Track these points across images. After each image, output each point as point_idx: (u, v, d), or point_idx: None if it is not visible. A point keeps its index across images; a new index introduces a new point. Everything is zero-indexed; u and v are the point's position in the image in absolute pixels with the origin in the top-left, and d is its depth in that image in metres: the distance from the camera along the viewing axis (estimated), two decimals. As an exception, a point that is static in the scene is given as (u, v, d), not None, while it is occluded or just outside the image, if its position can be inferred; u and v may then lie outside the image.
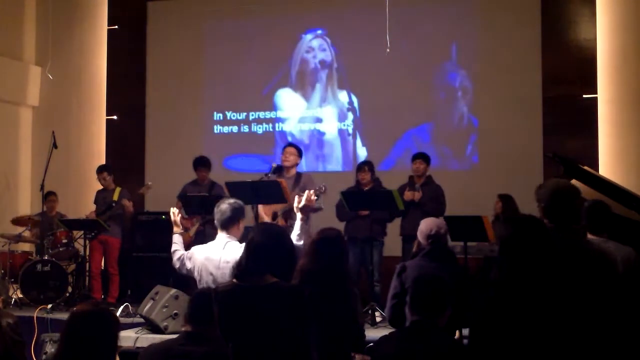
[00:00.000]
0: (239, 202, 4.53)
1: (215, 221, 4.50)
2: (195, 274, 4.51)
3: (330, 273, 3.86)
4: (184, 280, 6.21)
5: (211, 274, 4.40)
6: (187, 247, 4.73)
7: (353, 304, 3.92)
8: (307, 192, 4.51)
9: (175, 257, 4.63)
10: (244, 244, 4.34)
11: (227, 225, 4.44)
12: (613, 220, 4.23)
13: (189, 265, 4.55)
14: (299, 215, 4.41)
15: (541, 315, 2.76)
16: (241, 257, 3.28)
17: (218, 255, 4.40)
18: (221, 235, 4.46)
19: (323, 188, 6.52)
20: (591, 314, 2.87)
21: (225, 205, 4.44)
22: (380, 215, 7.06)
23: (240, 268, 3.24)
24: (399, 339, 3.25)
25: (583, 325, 2.80)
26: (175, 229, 4.76)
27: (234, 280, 3.24)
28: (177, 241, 4.68)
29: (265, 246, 3.22)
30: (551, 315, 2.76)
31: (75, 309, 3.02)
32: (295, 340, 3.10)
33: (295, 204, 4.48)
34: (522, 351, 2.77)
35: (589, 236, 4.12)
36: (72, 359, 2.81)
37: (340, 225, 7.30)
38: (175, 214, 4.80)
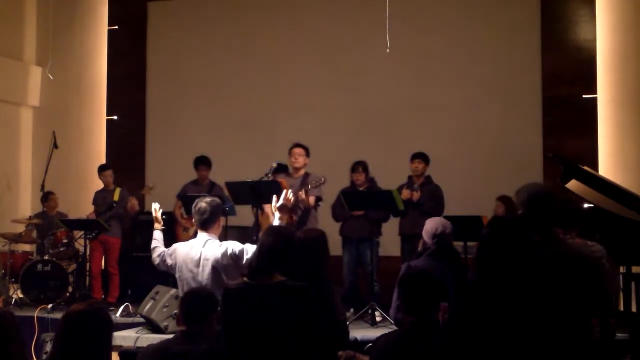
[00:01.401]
0: (217, 199, 4.55)
1: (194, 220, 4.51)
2: (176, 271, 4.52)
3: (310, 272, 3.88)
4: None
5: (191, 271, 4.43)
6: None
7: (333, 300, 3.93)
8: (284, 191, 4.50)
9: (155, 253, 4.66)
10: (224, 242, 4.39)
11: (206, 225, 4.47)
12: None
13: (169, 261, 4.57)
14: (276, 214, 4.40)
15: (514, 316, 2.77)
16: (251, 258, 3.35)
17: (198, 253, 4.42)
18: (201, 234, 4.48)
19: (323, 180, 6.56)
20: (563, 315, 2.88)
21: (203, 205, 4.44)
22: (375, 216, 7.06)
23: (251, 268, 3.30)
24: (396, 339, 3.25)
25: (554, 326, 2.81)
26: (156, 225, 4.77)
27: (244, 279, 3.30)
28: (157, 237, 4.71)
29: (274, 248, 3.29)
30: (524, 317, 2.76)
31: (69, 308, 3.04)
32: (302, 337, 3.14)
33: (272, 203, 4.47)
34: (499, 351, 2.78)
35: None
36: (66, 358, 2.82)
37: (336, 226, 7.32)
38: (156, 210, 4.82)
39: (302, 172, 7.09)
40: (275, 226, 4.22)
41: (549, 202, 3.31)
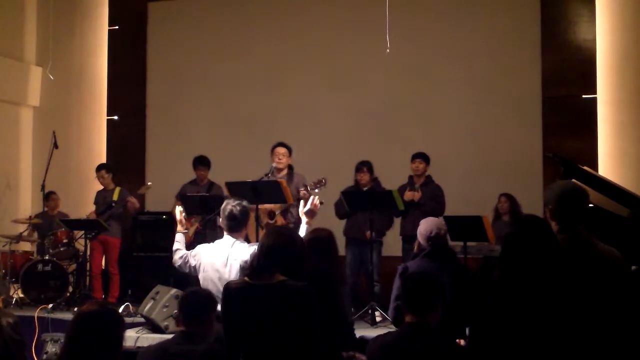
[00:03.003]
0: (245, 203, 4.57)
1: (223, 225, 4.54)
2: (200, 271, 4.54)
3: (319, 273, 3.88)
4: (185, 279, 6.23)
5: (217, 270, 4.46)
6: (187, 247, 4.76)
7: (341, 302, 3.93)
8: (312, 197, 4.54)
9: (177, 255, 4.69)
10: (252, 243, 4.43)
11: (235, 229, 4.52)
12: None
13: (193, 262, 4.60)
14: (304, 219, 4.44)
15: (540, 315, 2.77)
16: (253, 258, 3.35)
17: (226, 254, 4.46)
18: (228, 237, 4.53)
19: (323, 181, 6.53)
20: (593, 315, 2.88)
21: (234, 211, 4.47)
22: (379, 226, 7.08)
23: (252, 267, 3.30)
24: (392, 340, 3.25)
25: (583, 325, 2.81)
26: (178, 227, 4.83)
27: (245, 278, 3.30)
28: (179, 240, 4.76)
29: (277, 248, 3.30)
30: (551, 316, 2.77)
31: (81, 308, 3.03)
32: (301, 337, 3.15)
33: (300, 208, 4.51)
34: (523, 351, 2.78)
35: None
36: (77, 358, 2.82)
37: (340, 227, 7.32)
38: (180, 212, 4.88)
39: (284, 171, 7.05)
40: (276, 226, 4.24)
41: (580, 199, 3.30)
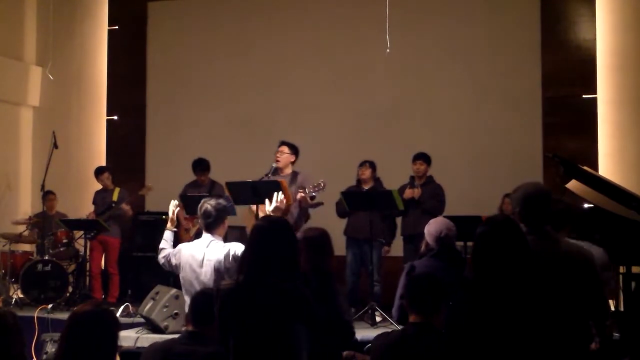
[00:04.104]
0: (222, 202, 4.57)
1: (199, 223, 4.53)
2: (180, 271, 4.55)
3: (313, 272, 3.86)
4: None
5: (194, 271, 4.47)
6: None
7: (338, 300, 3.91)
8: (275, 194, 4.51)
9: (161, 254, 4.71)
10: (227, 243, 4.40)
11: (212, 227, 4.51)
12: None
13: (174, 261, 4.61)
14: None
15: (511, 314, 2.79)
16: (243, 255, 3.29)
17: (202, 254, 4.46)
18: (206, 235, 4.52)
19: (322, 184, 6.45)
20: (560, 314, 2.90)
21: (209, 208, 4.47)
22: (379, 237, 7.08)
23: (244, 266, 3.22)
24: (395, 339, 3.25)
25: (553, 323, 2.83)
26: (169, 224, 4.77)
27: (238, 278, 3.25)
28: (166, 238, 4.74)
29: (268, 242, 3.18)
30: (520, 314, 2.79)
31: (75, 309, 3.03)
32: (296, 340, 3.11)
33: (266, 207, 4.48)
34: (496, 350, 2.80)
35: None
36: (72, 358, 2.82)
37: (341, 226, 7.32)
38: (174, 211, 4.79)
39: (288, 170, 6.89)
40: (268, 218, 4.14)
41: (545, 200, 3.35)
